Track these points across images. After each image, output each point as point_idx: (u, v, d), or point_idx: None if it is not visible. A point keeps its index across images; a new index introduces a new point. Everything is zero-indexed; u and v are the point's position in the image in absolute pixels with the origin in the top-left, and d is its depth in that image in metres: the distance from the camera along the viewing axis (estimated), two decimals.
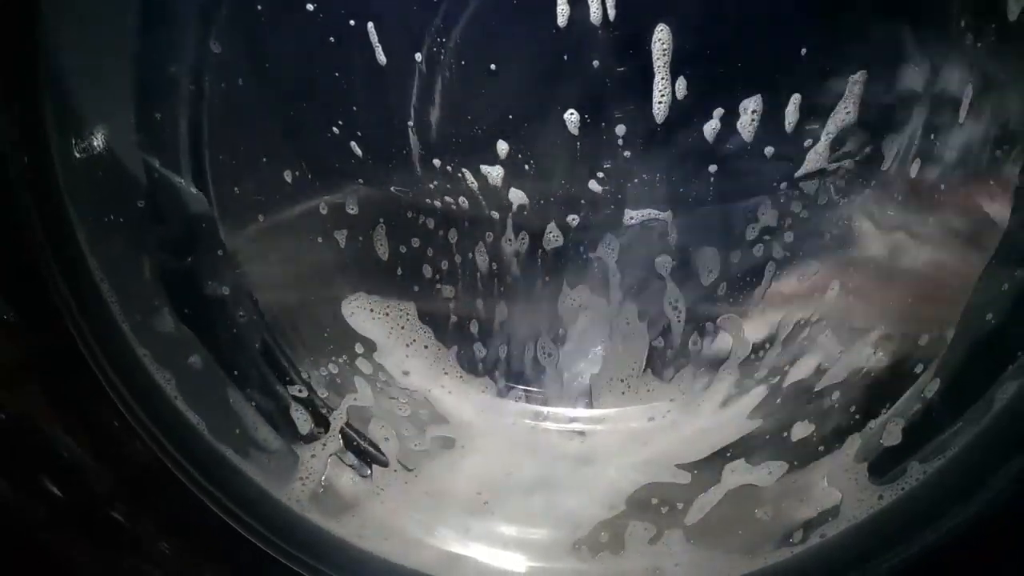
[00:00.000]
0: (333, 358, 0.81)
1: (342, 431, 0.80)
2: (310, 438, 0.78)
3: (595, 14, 0.63)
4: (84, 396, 0.69)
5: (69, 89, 0.66)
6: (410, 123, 0.71)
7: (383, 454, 0.80)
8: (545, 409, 0.82)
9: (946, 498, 0.57)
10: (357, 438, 0.80)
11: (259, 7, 0.69)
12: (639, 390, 0.80)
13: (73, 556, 0.67)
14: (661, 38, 0.63)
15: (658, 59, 0.64)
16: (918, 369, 0.64)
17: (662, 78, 0.65)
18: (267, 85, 0.73)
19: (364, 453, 0.80)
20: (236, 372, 0.77)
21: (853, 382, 0.69)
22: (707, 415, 0.77)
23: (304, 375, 0.81)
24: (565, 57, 0.66)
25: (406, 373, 0.81)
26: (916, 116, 0.65)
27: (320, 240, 0.77)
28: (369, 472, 0.78)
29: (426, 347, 0.81)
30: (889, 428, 0.64)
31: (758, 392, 0.75)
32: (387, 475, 0.79)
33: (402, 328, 0.81)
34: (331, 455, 0.78)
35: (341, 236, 0.77)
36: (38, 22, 0.62)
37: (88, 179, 0.69)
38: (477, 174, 0.72)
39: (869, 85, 0.64)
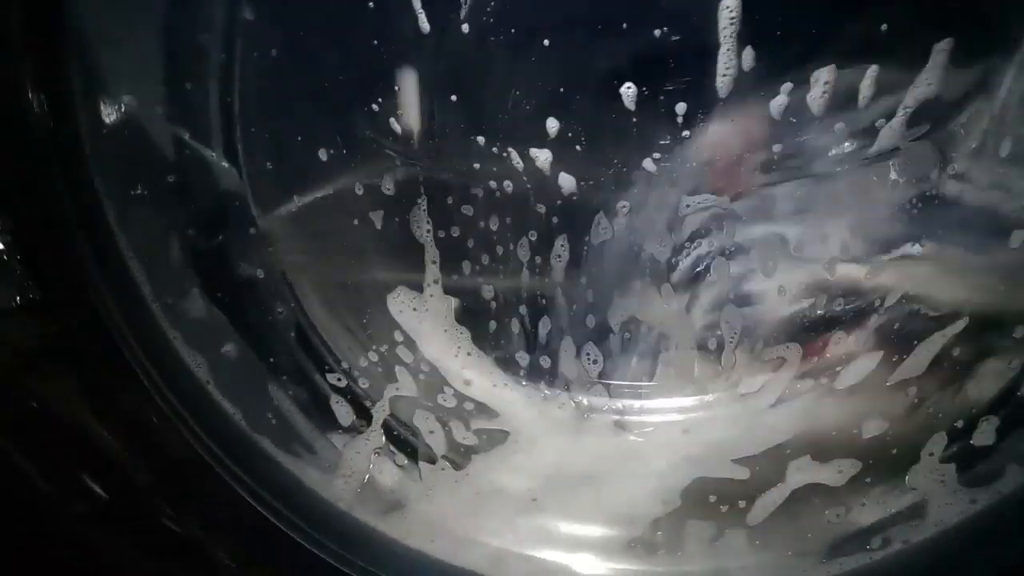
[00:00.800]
0: (373, 346, 0.79)
1: (385, 424, 0.78)
2: (352, 430, 0.77)
3: None
4: (113, 380, 0.68)
5: (97, 60, 0.65)
6: (453, 97, 0.68)
7: (429, 448, 0.78)
8: (594, 401, 0.80)
9: None
10: (401, 431, 0.79)
11: None
12: (692, 382, 0.77)
13: (104, 544, 0.67)
14: (729, 4, 0.59)
15: (725, 28, 0.60)
16: (1014, 364, 0.60)
17: (728, 48, 0.61)
18: (302, 54, 0.70)
19: (409, 447, 0.79)
20: (271, 358, 0.76)
21: (934, 375, 0.66)
22: (764, 408, 0.74)
23: (343, 364, 0.79)
24: (624, 25, 0.62)
25: (468, 382, 0.79)
26: (1006, 88, 0.60)
27: (356, 221, 0.75)
28: (415, 467, 0.77)
29: (469, 353, 0.79)
30: (981, 427, 0.61)
31: (821, 384, 0.72)
32: (433, 470, 0.77)
33: (444, 331, 0.78)
34: (375, 449, 0.76)
35: (377, 217, 0.75)
36: None
37: (117, 153, 0.68)
38: (524, 155, 0.69)
39: (955, 54, 0.59)
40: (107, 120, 0.67)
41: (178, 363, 0.70)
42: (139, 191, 0.69)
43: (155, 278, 0.69)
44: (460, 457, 0.78)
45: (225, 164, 0.72)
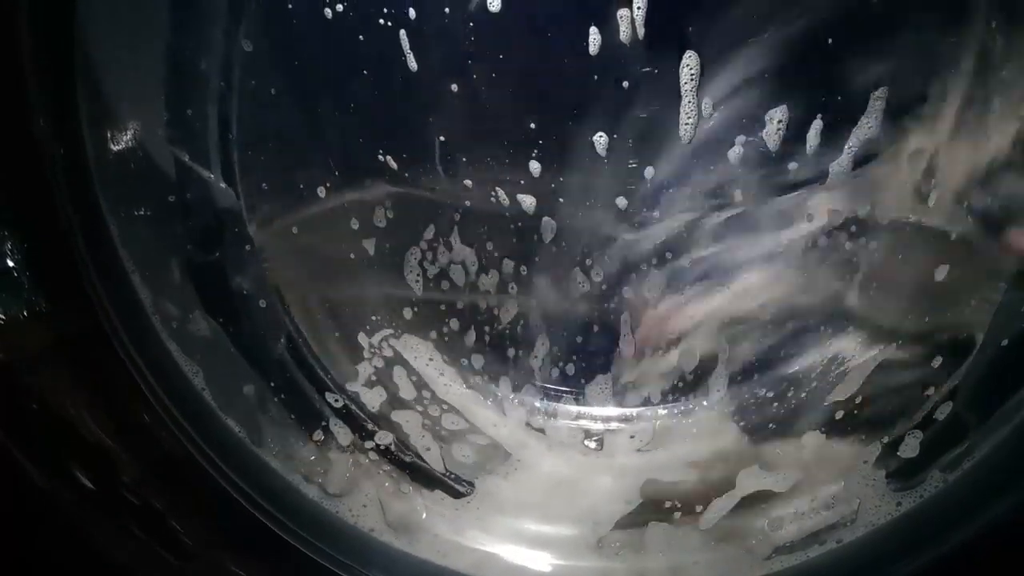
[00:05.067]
0: (370, 367, 0.81)
1: (382, 442, 0.81)
2: (350, 449, 0.79)
3: (625, 36, 0.64)
4: (112, 385, 0.70)
5: (103, 85, 0.67)
6: (441, 138, 0.72)
7: (425, 463, 0.81)
8: (561, 408, 0.84)
9: (965, 505, 0.59)
10: (398, 448, 0.81)
11: (289, 6, 0.69)
12: (653, 393, 0.82)
13: (99, 540, 0.68)
14: (689, 63, 0.65)
15: (685, 83, 0.65)
16: (929, 392, 0.66)
17: (689, 101, 0.66)
18: (297, 85, 0.73)
19: (405, 462, 0.81)
20: (267, 373, 0.78)
21: (865, 396, 0.71)
22: (714, 420, 0.79)
23: (342, 383, 0.81)
24: (595, 78, 0.66)
25: (459, 403, 0.82)
26: (939, 130, 0.65)
27: (352, 255, 0.78)
28: (408, 479, 0.79)
29: (459, 377, 0.82)
30: (907, 441, 0.66)
31: (766, 400, 0.77)
32: (423, 481, 0.80)
33: (437, 355, 0.82)
34: (370, 466, 0.79)
35: (370, 245, 0.78)
36: (74, 18, 0.63)
37: (120, 174, 0.70)
38: (511, 196, 0.73)
39: (892, 100, 0.64)
40: (112, 143, 0.69)
41: (175, 372, 0.73)
42: (141, 210, 0.71)
43: (155, 292, 0.72)
44: (448, 466, 0.80)
45: (223, 185, 0.75)
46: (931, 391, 0.66)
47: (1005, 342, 0.61)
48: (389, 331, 0.81)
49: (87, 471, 0.67)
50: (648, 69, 0.65)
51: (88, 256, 0.69)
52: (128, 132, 0.70)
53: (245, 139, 0.74)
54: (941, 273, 0.66)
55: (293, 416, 0.78)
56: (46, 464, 0.65)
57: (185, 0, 0.69)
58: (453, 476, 0.80)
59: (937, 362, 0.66)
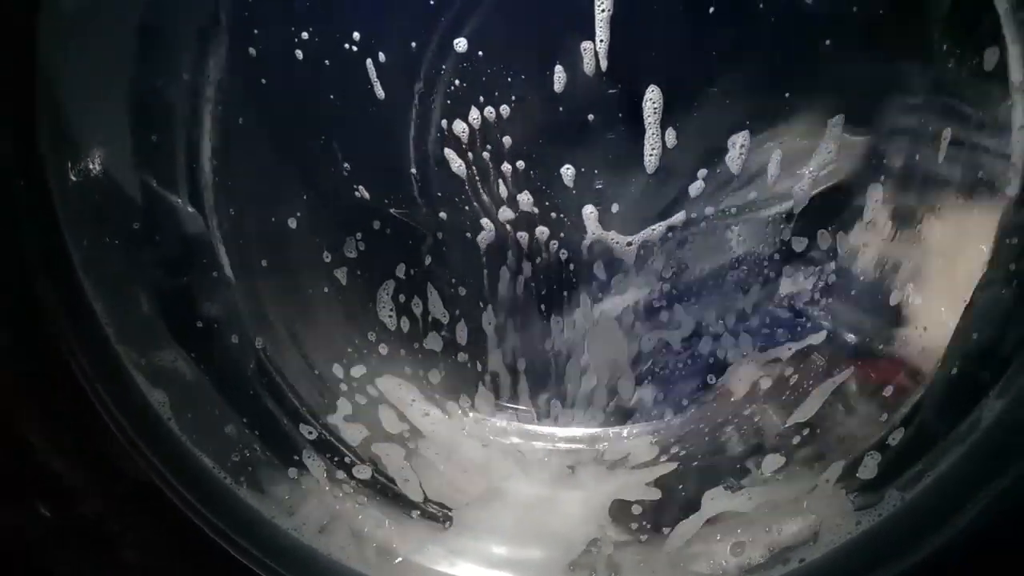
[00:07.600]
0: (344, 399, 0.81)
1: (360, 473, 0.80)
2: (325, 480, 0.79)
3: (589, 69, 0.66)
4: (77, 418, 0.69)
5: (66, 109, 0.66)
6: (412, 170, 0.73)
7: (403, 493, 0.80)
8: (531, 428, 0.85)
9: (922, 523, 0.61)
10: (375, 479, 0.81)
11: (256, 32, 0.69)
12: (618, 416, 0.84)
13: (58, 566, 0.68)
14: (652, 97, 0.67)
15: (649, 116, 0.68)
16: (883, 417, 0.68)
17: (653, 133, 0.68)
18: (264, 111, 0.73)
19: (382, 494, 0.80)
20: (239, 405, 0.77)
21: (823, 420, 0.73)
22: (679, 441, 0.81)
23: (318, 415, 0.81)
24: (561, 110, 0.68)
25: (434, 431, 0.82)
26: (895, 157, 0.68)
27: (325, 286, 0.78)
28: (386, 510, 0.79)
29: (436, 405, 0.83)
30: (865, 462, 0.68)
31: (728, 422, 0.79)
32: (401, 511, 0.80)
33: (412, 384, 0.82)
34: (346, 496, 0.78)
35: (342, 275, 0.78)
36: (35, 43, 0.62)
37: (84, 201, 0.69)
38: (483, 227, 0.75)
39: (848, 126, 0.67)
40: (75, 168, 0.68)
41: (142, 403, 0.71)
42: (105, 238, 0.70)
43: (120, 322, 0.70)
44: (433, 502, 0.80)
45: (190, 209, 0.74)
46: (884, 416, 0.68)
47: (954, 370, 0.64)
48: (364, 363, 0.81)
49: (47, 502, 0.67)
50: (612, 102, 0.67)
51: (50, 286, 0.67)
52: (92, 157, 0.69)
53: (214, 166, 0.74)
54: (896, 299, 0.69)
55: (267, 448, 0.77)
56: (4, 495, 0.65)
57: (152, 26, 0.68)
58: (431, 505, 0.80)
59: (888, 391, 0.69)
